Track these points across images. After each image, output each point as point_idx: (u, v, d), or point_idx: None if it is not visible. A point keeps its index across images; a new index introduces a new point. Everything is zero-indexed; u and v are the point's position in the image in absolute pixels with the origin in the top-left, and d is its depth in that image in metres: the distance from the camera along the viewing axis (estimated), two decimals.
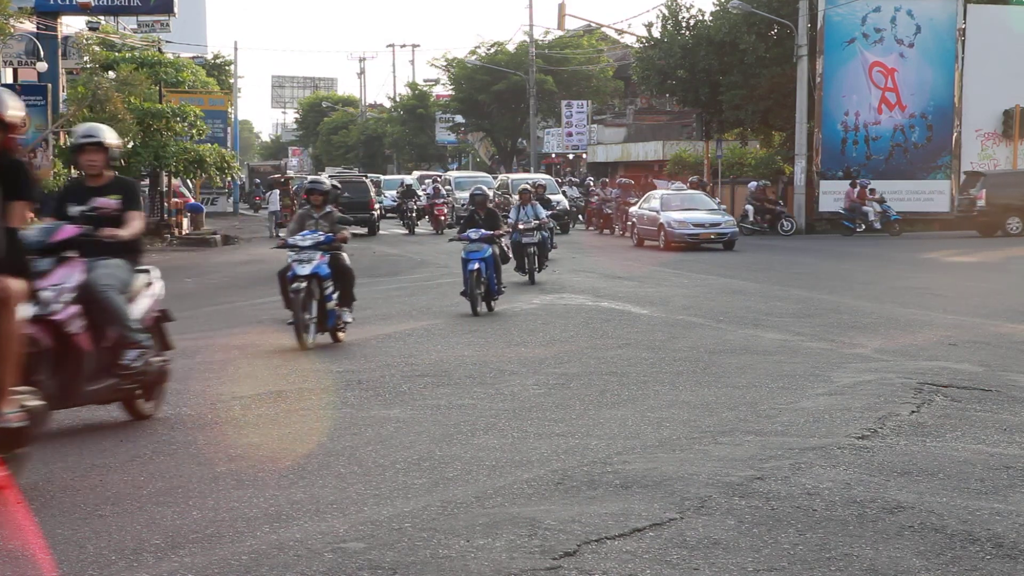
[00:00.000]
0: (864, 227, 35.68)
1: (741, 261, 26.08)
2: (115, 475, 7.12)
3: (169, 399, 9.61)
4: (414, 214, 40.24)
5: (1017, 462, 7.19)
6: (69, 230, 7.94)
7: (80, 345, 7.64)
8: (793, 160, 37.98)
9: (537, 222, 20.10)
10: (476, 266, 15.99)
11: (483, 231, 16.42)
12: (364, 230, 38.31)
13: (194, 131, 35.39)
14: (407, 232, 38.94)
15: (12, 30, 29.08)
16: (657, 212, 30.39)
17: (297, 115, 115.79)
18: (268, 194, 42.13)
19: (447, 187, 45.35)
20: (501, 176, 47.51)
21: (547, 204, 26.52)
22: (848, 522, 5.90)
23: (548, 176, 48.40)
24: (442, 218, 38.93)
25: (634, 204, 34.44)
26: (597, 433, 8.09)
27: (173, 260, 28.47)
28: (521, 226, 19.97)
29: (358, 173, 60.71)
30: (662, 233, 29.82)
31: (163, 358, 8.81)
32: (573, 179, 48.94)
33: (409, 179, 48.62)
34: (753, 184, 37.69)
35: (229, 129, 53.72)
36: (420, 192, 44.21)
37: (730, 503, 6.22)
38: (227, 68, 70.41)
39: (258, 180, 68.88)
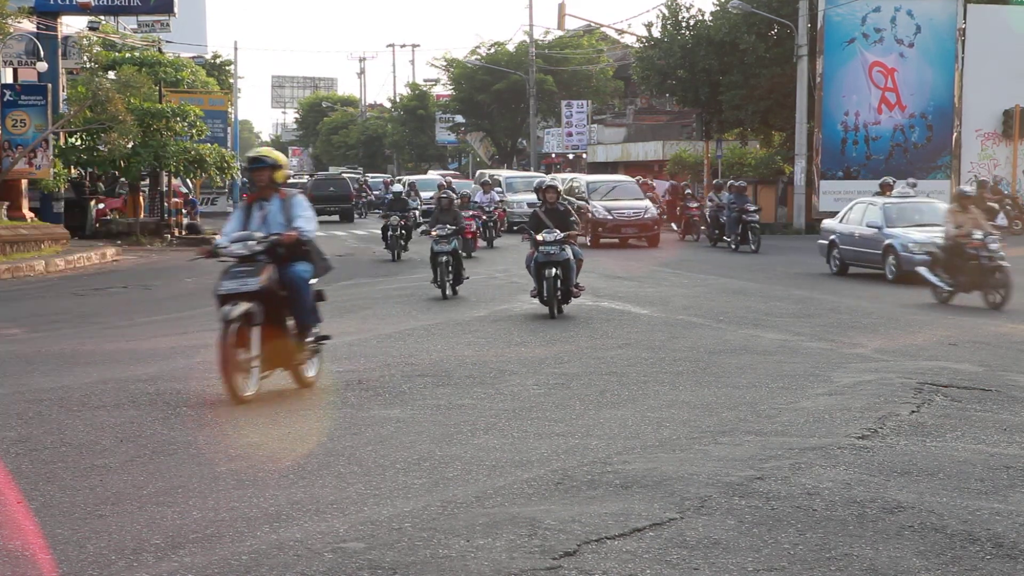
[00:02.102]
0: None
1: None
2: (115, 475, 7.11)
3: (169, 399, 9.62)
4: (399, 232, 26.78)
5: (1017, 462, 7.19)
6: None
7: None
8: (793, 160, 37.96)
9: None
10: None
11: None
12: (337, 217, 48.52)
13: (194, 131, 35.39)
14: (391, 258, 26.72)
15: (12, 30, 29.09)
16: (878, 229, 21.21)
17: (297, 115, 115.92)
18: None
19: (497, 190, 35.18)
20: (568, 176, 38.06)
21: (565, 221, 15.86)
22: (848, 522, 5.91)
23: (627, 177, 36.98)
24: (468, 236, 25.43)
25: (754, 210, 29.08)
26: (597, 433, 8.09)
27: (173, 260, 28.48)
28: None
29: (361, 172, 65.86)
30: (891, 259, 20.73)
31: None
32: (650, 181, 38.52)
33: (398, 184, 37.99)
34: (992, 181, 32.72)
35: (229, 129, 53.70)
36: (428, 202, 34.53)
37: (730, 503, 6.22)
38: (227, 68, 70.40)
39: (245, 179, 69.14)
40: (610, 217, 30.14)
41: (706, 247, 30.52)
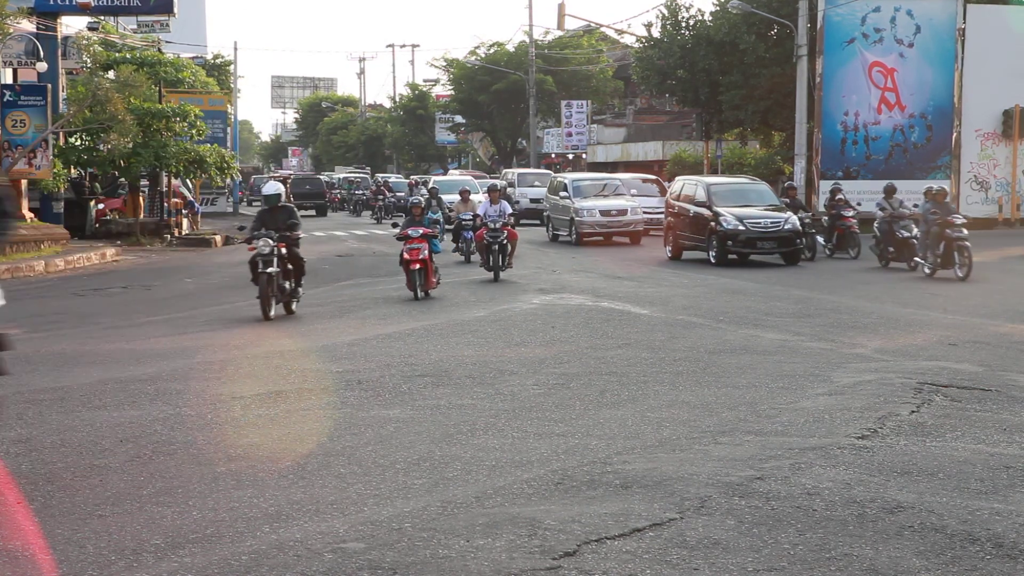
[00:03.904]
0: None
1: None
2: (115, 475, 7.12)
3: (169, 399, 9.62)
4: None
5: (1017, 462, 7.19)
6: None
7: None
8: (793, 160, 37.96)
9: None
10: None
11: None
12: (313, 212, 53.73)
13: (194, 131, 35.39)
14: None
15: (11, 30, 29.11)
16: None
17: (297, 115, 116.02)
18: None
19: (562, 193, 31.49)
20: (682, 178, 29.22)
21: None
22: (848, 522, 5.91)
23: (752, 178, 30.38)
24: (417, 266, 18.23)
25: (961, 223, 20.95)
26: (597, 433, 8.09)
27: (173, 260, 28.48)
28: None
29: (368, 172, 68.87)
30: None
31: None
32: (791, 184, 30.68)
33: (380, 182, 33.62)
34: None
35: (229, 129, 53.71)
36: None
37: (730, 503, 6.22)
38: (227, 68, 70.40)
39: (242, 180, 69.21)
40: (742, 227, 24.41)
41: (874, 268, 23.49)
